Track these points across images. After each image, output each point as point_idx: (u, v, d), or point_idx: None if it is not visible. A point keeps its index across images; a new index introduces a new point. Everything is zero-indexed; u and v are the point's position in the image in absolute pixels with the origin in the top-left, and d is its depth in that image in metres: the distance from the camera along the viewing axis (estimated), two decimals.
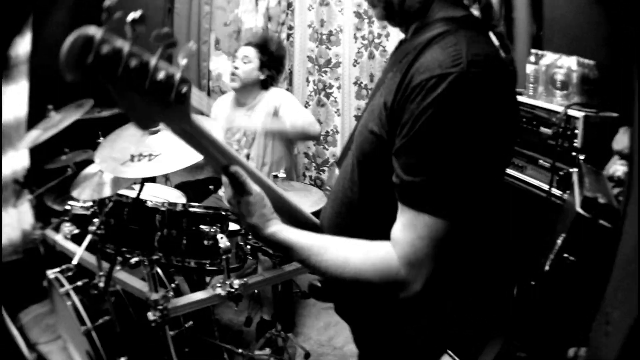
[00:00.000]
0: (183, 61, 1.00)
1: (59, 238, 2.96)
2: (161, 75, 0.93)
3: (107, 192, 2.57)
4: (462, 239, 1.09)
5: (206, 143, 1.13)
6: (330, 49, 4.09)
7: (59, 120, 3.07)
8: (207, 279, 3.17)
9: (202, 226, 2.40)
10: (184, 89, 0.97)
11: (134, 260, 2.36)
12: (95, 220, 2.57)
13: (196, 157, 1.77)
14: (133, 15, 0.89)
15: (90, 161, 3.15)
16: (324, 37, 4.09)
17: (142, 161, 2.21)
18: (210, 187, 3.57)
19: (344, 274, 1.14)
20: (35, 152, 3.59)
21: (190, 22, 4.32)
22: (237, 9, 4.24)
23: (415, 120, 1.03)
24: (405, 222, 1.08)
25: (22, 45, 3.68)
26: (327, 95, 4.19)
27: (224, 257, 2.34)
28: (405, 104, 1.06)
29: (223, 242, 2.33)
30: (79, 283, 2.75)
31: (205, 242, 2.39)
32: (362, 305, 1.37)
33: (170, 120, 1.04)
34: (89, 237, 2.45)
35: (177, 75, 0.96)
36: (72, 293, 2.70)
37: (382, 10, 1.26)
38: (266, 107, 3.25)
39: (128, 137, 2.35)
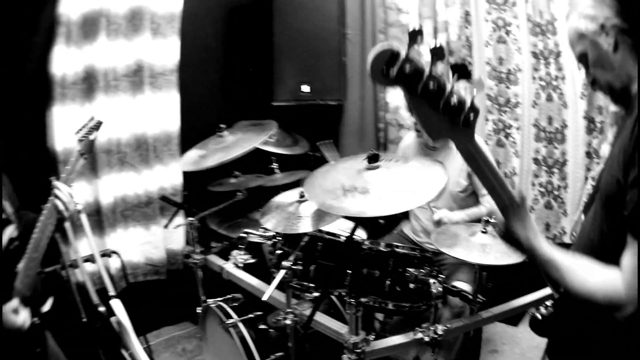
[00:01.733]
0: (474, 92, 1.17)
1: (228, 266, 2.92)
2: (454, 99, 1.14)
3: (306, 226, 2.47)
4: None
5: (482, 163, 1.31)
6: (509, 88, 3.99)
7: (233, 142, 3.03)
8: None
9: (409, 268, 2.32)
10: (472, 116, 1.18)
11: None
12: (279, 252, 2.60)
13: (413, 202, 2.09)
14: (434, 45, 1.09)
15: (262, 188, 3.12)
16: (503, 75, 4.00)
17: (355, 195, 2.15)
18: (381, 221, 3.47)
19: (581, 293, 1.35)
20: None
21: (364, 50, 4.29)
22: None
23: None
24: (632, 251, 1.28)
25: (169, 54, 3.72)
26: (507, 136, 4.09)
27: (434, 302, 2.28)
28: (636, 147, 1.27)
29: (435, 287, 2.26)
30: (251, 316, 2.73)
31: (411, 285, 2.31)
32: (581, 340, 1.54)
33: (456, 138, 1.25)
34: (282, 272, 2.36)
35: (468, 103, 1.16)
36: (241, 325, 2.65)
37: (609, 94, 1.49)
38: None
39: (343, 170, 2.34)
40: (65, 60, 3.33)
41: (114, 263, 3.55)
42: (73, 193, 2.25)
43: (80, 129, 2.37)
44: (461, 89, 1.15)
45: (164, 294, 3.92)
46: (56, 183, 2.21)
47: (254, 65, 4.16)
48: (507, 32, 3.93)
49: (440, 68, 1.12)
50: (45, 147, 3.33)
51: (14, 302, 1.95)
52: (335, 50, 3.94)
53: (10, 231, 2.09)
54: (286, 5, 3.96)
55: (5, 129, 2.98)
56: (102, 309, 2.90)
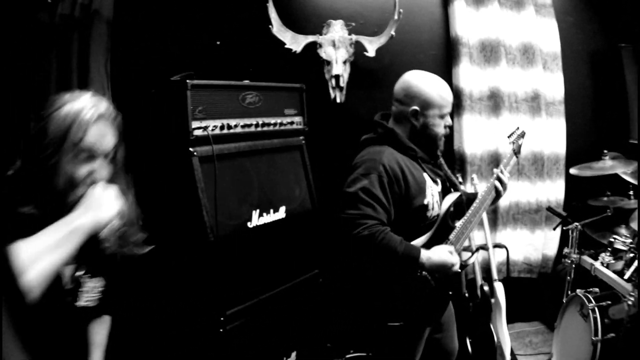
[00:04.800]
0: None
1: (597, 264, 3.67)
2: None
3: None
4: None
5: None
6: None
7: (608, 166, 3.94)
8: None
9: None
10: None
11: None
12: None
13: None
14: None
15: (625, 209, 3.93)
16: None
17: None
18: None
19: None
20: (575, 187, 4.51)
21: None
22: None
23: None
24: None
25: (556, 87, 4.56)
26: None
27: None
28: None
29: None
30: (603, 303, 3.45)
31: None
32: None
33: None
34: (635, 264, 3.16)
35: None
36: (596, 310, 3.40)
37: None
38: None
39: None
40: (470, 78, 4.33)
41: (499, 256, 4.30)
42: (506, 181, 2.88)
43: (511, 135, 3.08)
44: None
45: (529, 293, 4.72)
46: (496, 170, 2.87)
47: (608, 105, 4.87)
48: None
49: None
50: (451, 148, 4.42)
51: (450, 247, 2.53)
52: None
53: (453, 197, 2.68)
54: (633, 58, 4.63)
55: None
56: (485, 288, 3.86)
